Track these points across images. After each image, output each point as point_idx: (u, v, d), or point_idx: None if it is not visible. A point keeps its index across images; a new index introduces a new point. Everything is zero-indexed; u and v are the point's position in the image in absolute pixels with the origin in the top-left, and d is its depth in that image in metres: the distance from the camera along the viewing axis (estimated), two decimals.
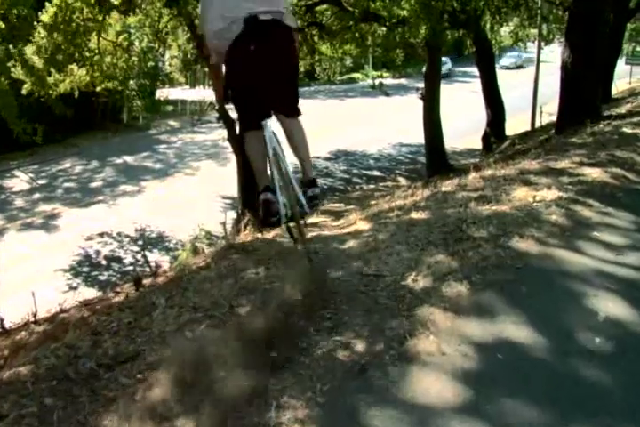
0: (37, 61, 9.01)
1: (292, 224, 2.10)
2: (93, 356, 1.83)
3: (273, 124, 1.87)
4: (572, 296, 1.98)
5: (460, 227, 2.57)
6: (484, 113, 12.87)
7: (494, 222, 2.58)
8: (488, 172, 5.00)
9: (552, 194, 2.97)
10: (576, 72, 6.08)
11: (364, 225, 2.91)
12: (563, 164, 3.66)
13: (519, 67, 27.11)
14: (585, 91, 6.12)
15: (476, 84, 14.60)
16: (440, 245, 2.38)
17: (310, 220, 4.95)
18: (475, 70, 16.54)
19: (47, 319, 4.25)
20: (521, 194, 3.03)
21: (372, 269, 2.23)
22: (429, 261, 2.24)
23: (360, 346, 1.69)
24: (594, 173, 3.36)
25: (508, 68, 26.75)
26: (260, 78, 1.69)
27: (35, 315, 3.80)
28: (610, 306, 1.90)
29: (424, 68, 25.72)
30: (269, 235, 4.67)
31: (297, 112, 1.84)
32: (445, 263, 2.19)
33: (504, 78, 12.61)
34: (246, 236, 5.85)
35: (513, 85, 14.76)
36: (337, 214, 5.66)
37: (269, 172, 1.91)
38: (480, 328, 1.76)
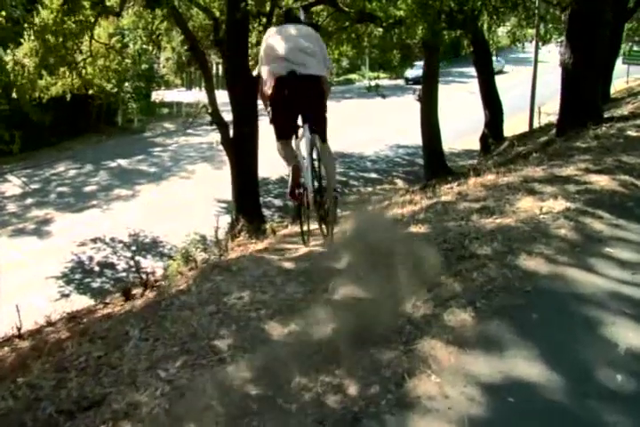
0: (28, 63, 8.83)
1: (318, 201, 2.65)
2: (55, 399, 1.63)
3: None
4: (588, 324, 1.79)
5: (463, 243, 2.38)
6: (481, 113, 12.71)
7: (499, 238, 2.40)
8: (488, 177, 4.82)
9: (559, 205, 2.78)
10: (577, 73, 5.91)
11: (359, 239, 2.71)
12: (568, 170, 3.48)
13: (499, 72, 26.00)
14: (586, 92, 5.96)
15: (473, 85, 14.44)
16: (441, 265, 2.19)
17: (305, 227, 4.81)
18: (471, 71, 16.41)
19: (32, 333, 4.08)
20: (526, 205, 2.84)
21: (367, 292, 2.04)
22: (430, 282, 2.05)
23: (353, 389, 1.50)
24: (601, 181, 3.18)
25: None
26: (292, 110, 2.58)
27: (19, 329, 3.65)
28: (630, 336, 1.72)
29: (407, 73, 25.45)
30: (262, 244, 4.48)
31: (326, 138, 2.68)
32: (447, 286, 2.00)
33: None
34: (238, 243, 5.63)
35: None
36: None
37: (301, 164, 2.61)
38: (488, 365, 1.57)
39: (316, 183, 2.64)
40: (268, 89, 2.54)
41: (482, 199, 3.05)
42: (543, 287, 2.00)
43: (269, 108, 2.58)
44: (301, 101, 2.51)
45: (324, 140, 2.65)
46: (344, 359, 1.63)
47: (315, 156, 2.61)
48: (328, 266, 2.36)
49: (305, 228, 2.91)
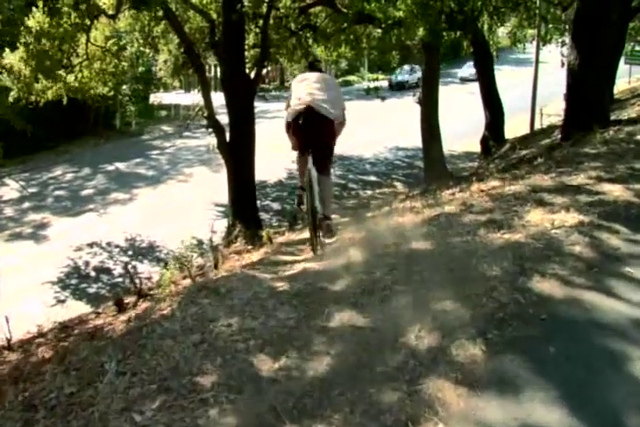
0: (24, 68, 8.71)
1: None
2: None
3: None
4: (613, 359, 1.61)
5: (470, 262, 2.20)
6: (481, 115, 12.55)
7: (509, 256, 2.22)
8: (492, 183, 4.64)
9: (571, 218, 2.60)
10: (583, 74, 5.74)
11: (358, 256, 2.54)
12: (579, 179, 3.30)
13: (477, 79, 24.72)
14: (593, 94, 5.78)
15: (473, 86, 14.25)
16: (447, 287, 2.02)
17: (302, 235, 4.66)
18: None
19: (23, 343, 3.94)
20: (536, 217, 2.66)
21: (367, 319, 1.86)
22: (435, 309, 1.87)
23: None
24: (615, 191, 3.00)
25: (466, 79, 22.46)
26: (303, 137, 3.11)
27: (9, 340, 3.56)
28: None
29: (394, 76, 24.78)
30: (257, 254, 4.30)
31: (327, 170, 3.20)
32: (455, 313, 1.82)
33: (459, 91, 11.46)
34: (234, 249, 5.46)
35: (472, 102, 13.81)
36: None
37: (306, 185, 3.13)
38: (501, 411, 1.40)
39: (317, 203, 3.04)
40: (288, 119, 3.18)
41: (488, 211, 2.88)
42: (560, 315, 1.82)
43: (289, 135, 3.22)
44: (310, 134, 3.05)
45: (321, 171, 3.09)
46: (340, 402, 1.45)
47: (315, 184, 3.06)
48: (324, 287, 2.19)
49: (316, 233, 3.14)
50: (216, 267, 4.98)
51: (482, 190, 4.36)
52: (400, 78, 23.98)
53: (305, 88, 3.14)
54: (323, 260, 2.63)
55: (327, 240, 2.96)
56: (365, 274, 2.22)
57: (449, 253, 2.30)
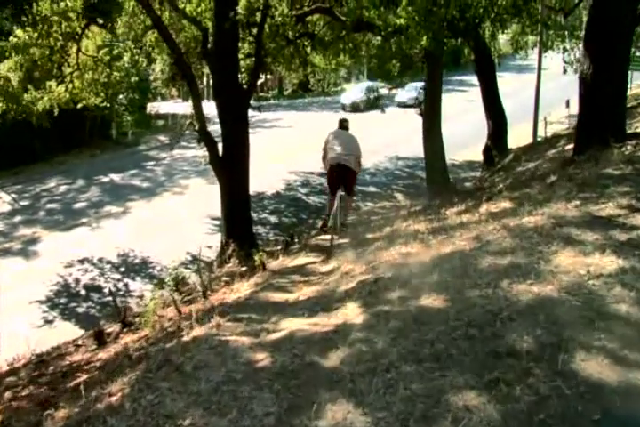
0: (12, 78, 8.45)
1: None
2: None
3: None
4: None
5: (494, 326, 1.79)
6: (482, 123, 12.21)
7: (541, 319, 1.80)
8: (502, 204, 4.25)
9: (609, 262, 2.19)
10: (597, 84, 5.35)
11: (355, 313, 2.12)
12: (608, 209, 2.89)
13: (422, 103, 20.88)
14: (608, 105, 5.38)
15: (473, 93, 13.89)
16: (468, 367, 1.59)
17: (296, 261, 4.82)
18: (471, 79, 15.94)
19: None
20: (566, 261, 2.25)
21: (367, 418, 1.44)
22: (455, 404, 1.45)
23: None
24: None
25: (405, 105, 17.96)
26: (336, 181, 5.29)
27: None
28: None
29: (343, 97, 22.59)
30: (248, 285, 3.88)
31: (350, 194, 5.58)
32: (481, 411, 1.40)
33: (396, 118, 9.83)
34: (227, 271, 5.08)
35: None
36: (326, 251, 4.85)
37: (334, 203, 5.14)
38: None
39: (338, 219, 4.80)
40: (325, 167, 5.32)
41: (509, 251, 2.46)
42: (617, 413, 1.39)
43: (326, 169, 5.27)
44: (340, 179, 5.05)
45: (349, 193, 5.28)
46: None
47: (341, 203, 4.85)
48: (314, 362, 1.77)
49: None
50: (204, 296, 4.59)
51: (492, 213, 3.96)
52: (354, 98, 19.26)
53: (338, 146, 5.14)
54: (315, 315, 2.21)
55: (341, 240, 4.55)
56: (365, 343, 1.80)
57: (467, 314, 1.88)
